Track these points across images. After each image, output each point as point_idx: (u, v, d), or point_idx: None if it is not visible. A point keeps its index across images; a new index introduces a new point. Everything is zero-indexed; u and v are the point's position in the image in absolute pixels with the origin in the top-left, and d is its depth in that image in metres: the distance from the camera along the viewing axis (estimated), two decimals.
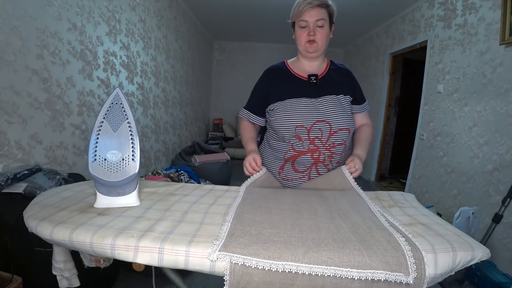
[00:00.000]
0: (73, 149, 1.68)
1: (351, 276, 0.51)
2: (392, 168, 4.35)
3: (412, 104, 3.52)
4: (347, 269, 0.51)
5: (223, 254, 0.53)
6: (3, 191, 1.13)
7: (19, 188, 1.15)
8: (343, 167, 0.96)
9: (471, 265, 0.61)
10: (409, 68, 4.00)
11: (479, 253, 0.59)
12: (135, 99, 2.44)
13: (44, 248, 1.07)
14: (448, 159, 2.45)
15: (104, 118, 0.72)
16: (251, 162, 0.96)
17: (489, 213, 1.70)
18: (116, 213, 0.70)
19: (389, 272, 0.51)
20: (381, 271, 0.51)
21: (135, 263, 0.59)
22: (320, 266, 0.51)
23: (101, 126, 0.72)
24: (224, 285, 0.54)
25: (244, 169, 0.97)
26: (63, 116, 1.59)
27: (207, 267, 0.56)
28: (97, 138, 0.71)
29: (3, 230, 1.08)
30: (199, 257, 0.55)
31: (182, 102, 3.74)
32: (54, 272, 0.77)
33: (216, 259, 0.53)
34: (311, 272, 0.51)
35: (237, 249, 0.54)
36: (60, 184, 1.24)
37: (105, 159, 0.71)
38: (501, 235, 1.80)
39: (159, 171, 2.36)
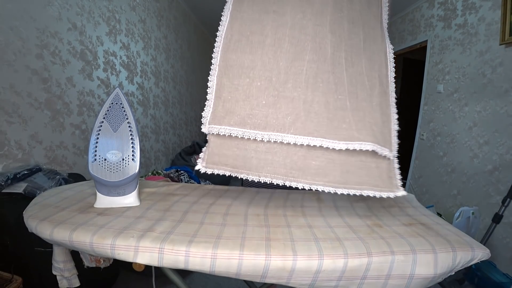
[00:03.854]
0: (73, 149, 1.68)
1: (338, 147, 0.48)
2: None
3: (412, 104, 3.52)
4: (333, 141, 0.48)
5: (212, 127, 0.52)
6: (3, 191, 1.13)
7: (19, 188, 1.15)
8: None
9: (471, 265, 0.61)
10: (409, 68, 3.99)
11: (479, 253, 0.59)
12: (135, 99, 2.44)
13: (44, 248, 1.07)
14: (448, 159, 2.45)
15: (104, 118, 0.72)
16: None
17: (489, 213, 1.70)
18: (116, 213, 0.70)
19: (376, 145, 0.50)
20: (368, 143, 0.49)
21: (135, 263, 0.59)
22: (305, 137, 0.48)
23: (101, 126, 0.72)
24: (224, 285, 0.54)
25: None
26: (63, 116, 1.59)
27: (207, 267, 0.56)
28: (97, 138, 0.71)
29: (3, 230, 1.08)
30: (199, 257, 0.55)
31: (182, 102, 3.74)
32: (54, 272, 0.77)
33: (208, 132, 0.53)
34: (296, 142, 0.48)
35: (224, 119, 0.50)
36: (60, 184, 1.24)
37: (105, 159, 0.71)
38: (501, 235, 1.80)
39: (159, 171, 2.36)
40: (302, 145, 0.47)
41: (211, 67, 0.56)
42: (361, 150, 0.48)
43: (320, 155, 0.48)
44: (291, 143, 0.47)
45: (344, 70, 0.53)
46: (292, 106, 0.49)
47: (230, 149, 0.50)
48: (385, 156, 0.50)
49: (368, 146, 0.48)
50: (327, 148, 0.47)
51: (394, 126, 0.53)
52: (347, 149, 0.47)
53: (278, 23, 0.55)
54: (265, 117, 0.48)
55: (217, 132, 0.50)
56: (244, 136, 0.48)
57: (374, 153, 0.50)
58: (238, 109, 0.49)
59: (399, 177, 0.54)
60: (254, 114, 0.48)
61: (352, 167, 0.49)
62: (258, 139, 0.48)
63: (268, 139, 0.48)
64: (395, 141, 0.52)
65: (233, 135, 0.49)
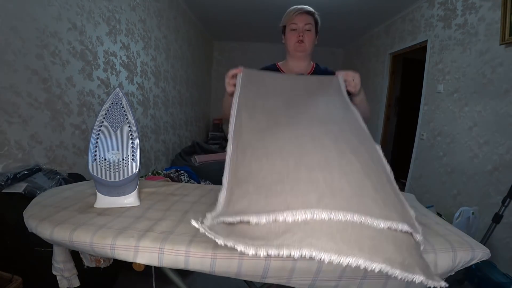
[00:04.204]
0: (73, 149, 1.68)
1: (377, 225, 0.43)
2: (392, 168, 4.28)
3: (412, 104, 3.52)
4: (368, 218, 0.43)
5: (222, 218, 0.47)
6: (3, 191, 1.13)
7: (19, 188, 1.15)
8: (340, 76, 0.90)
9: (471, 265, 0.60)
10: (409, 68, 3.99)
11: (479, 253, 0.59)
12: (135, 99, 2.44)
13: (44, 248, 1.07)
14: (448, 159, 2.45)
15: (104, 118, 0.73)
16: (229, 73, 0.92)
17: (489, 213, 1.70)
18: (116, 213, 0.70)
19: (406, 224, 0.46)
20: (400, 223, 0.46)
21: (135, 263, 0.59)
22: (340, 212, 0.42)
23: (101, 126, 0.72)
24: (224, 285, 0.54)
25: (227, 87, 0.92)
26: (63, 116, 1.58)
27: (207, 267, 0.56)
28: (97, 138, 0.71)
29: (3, 230, 1.08)
30: (199, 257, 0.55)
31: (182, 102, 3.74)
32: (54, 272, 0.78)
33: (209, 231, 0.46)
34: (331, 217, 0.41)
35: (233, 214, 0.47)
36: (60, 184, 1.24)
37: (105, 159, 0.71)
38: (501, 235, 1.80)
39: (159, 171, 2.36)
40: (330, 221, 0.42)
41: (223, 180, 0.60)
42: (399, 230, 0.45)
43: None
44: (325, 218, 0.42)
45: (351, 155, 0.55)
46: (313, 187, 0.46)
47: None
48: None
49: (403, 226, 0.45)
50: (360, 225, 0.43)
51: (411, 212, 0.52)
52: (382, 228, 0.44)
53: (277, 136, 0.62)
54: (284, 201, 0.44)
55: (232, 221, 0.47)
56: (259, 223, 0.44)
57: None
58: (254, 203, 0.48)
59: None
60: (271, 202, 0.45)
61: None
62: (281, 220, 0.44)
63: (294, 219, 0.42)
64: (418, 225, 0.50)
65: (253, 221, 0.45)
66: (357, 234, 0.42)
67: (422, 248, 0.49)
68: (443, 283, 0.42)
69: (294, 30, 1.11)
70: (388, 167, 0.62)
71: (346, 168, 0.51)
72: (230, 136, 0.69)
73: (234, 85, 0.88)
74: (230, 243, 0.43)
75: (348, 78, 0.91)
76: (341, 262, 0.40)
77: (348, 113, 0.77)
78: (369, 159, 0.58)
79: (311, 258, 0.41)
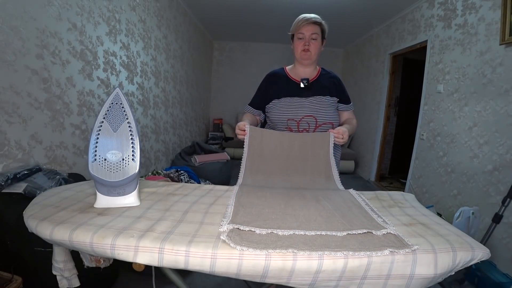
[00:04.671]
0: (73, 149, 1.68)
1: (338, 234, 0.63)
2: (392, 168, 4.35)
3: (412, 104, 3.52)
4: (333, 232, 0.63)
5: (232, 225, 0.63)
6: (3, 191, 1.13)
7: (19, 188, 1.15)
8: (331, 134, 1.09)
9: (471, 265, 0.61)
10: (409, 68, 4.00)
11: (479, 253, 0.60)
12: (135, 99, 2.44)
13: (44, 248, 1.07)
14: (448, 159, 2.45)
15: (104, 118, 0.73)
16: (239, 125, 1.10)
17: (489, 213, 1.70)
18: (116, 213, 0.70)
19: (371, 230, 0.64)
20: (361, 229, 0.64)
21: (135, 263, 0.59)
22: (311, 231, 0.63)
23: (101, 126, 0.72)
24: (224, 285, 0.54)
25: (238, 136, 1.11)
26: (63, 116, 1.59)
27: (207, 267, 0.56)
28: (97, 138, 0.71)
29: (3, 230, 1.09)
30: (199, 257, 0.55)
31: (182, 102, 3.74)
32: (54, 272, 0.78)
33: (226, 229, 0.61)
34: (306, 233, 0.62)
35: (242, 224, 0.64)
36: (60, 184, 1.24)
37: (105, 159, 0.71)
38: (501, 235, 1.80)
39: (159, 171, 2.36)
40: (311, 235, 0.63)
41: (228, 202, 0.81)
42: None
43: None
44: (301, 234, 0.62)
45: (325, 202, 0.82)
46: (295, 219, 0.69)
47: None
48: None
49: (364, 230, 0.64)
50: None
51: (379, 220, 0.71)
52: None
53: (272, 191, 0.91)
54: (277, 225, 0.65)
55: (237, 228, 0.63)
56: (261, 233, 0.62)
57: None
58: (254, 221, 0.66)
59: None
60: (267, 223, 0.65)
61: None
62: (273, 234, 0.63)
63: (282, 234, 0.62)
64: (390, 227, 0.66)
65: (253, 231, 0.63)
66: (324, 240, 0.60)
67: (384, 232, 0.64)
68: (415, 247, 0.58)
69: (301, 39, 1.19)
70: (359, 199, 0.85)
71: (319, 207, 0.76)
72: (238, 185, 0.97)
73: (243, 134, 1.08)
74: (243, 248, 0.56)
75: (338, 136, 1.08)
76: (311, 255, 0.56)
77: (329, 176, 1.06)
78: (339, 199, 0.83)
79: (294, 255, 0.56)
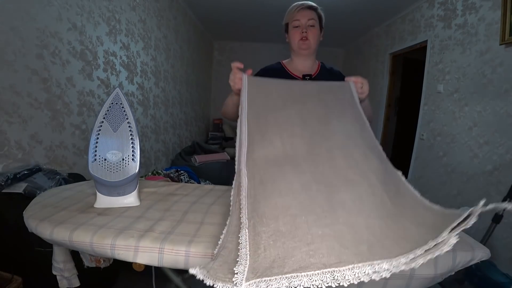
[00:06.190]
0: (73, 149, 1.68)
1: (399, 268, 0.40)
2: None
3: (412, 104, 3.51)
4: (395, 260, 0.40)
5: (256, 281, 0.35)
6: (3, 191, 1.13)
7: (19, 188, 1.15)
8: (351, 82, 0.89)
9: (471, 265, 0.60)
10: (409, 68, 3.99)
11: (479, 253, 0.59)
12: (135, 99, 2.44)
13: (44, 248, 1.07)
14: (448, 159, 2.45)
15: (104, 118, 0.73)
16: (236, 64, 0.90)
17: (489, 213, 1.70)
18: (116, 213, 0.70)
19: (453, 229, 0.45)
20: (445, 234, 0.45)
21: (135, 263, 0.59)
22: (391, 264, 0.39)
23: (101, 126, 0.72)
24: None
25: (234, 84, 0.89)
26: (63, 116, 1.58)
27: None
28: (97, 138, 0.71)
29: (3, 230, 1.08)
30: (199, 257, 0.55)
31: (182, 102, 3.74)
32: (54, 272, 0.78)
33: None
34: (390, 267, 0.38)
35: (273, 269, 0.37)
36: (60, 184, 1.24)
37: (105, 159, 0.71)
38: (501, 235, 1.80)
39: (159, 171, 2.36)
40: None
41: (239, 216, 0.49)
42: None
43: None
44: (386, 268, 0.39)
45: (382, 191, 0.54)
46: (357, 233, 0.43)
47: None
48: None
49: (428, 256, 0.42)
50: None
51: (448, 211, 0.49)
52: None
53: (299, 169, 0.57)
54: (332, 249, 0.39)
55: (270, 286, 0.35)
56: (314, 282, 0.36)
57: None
58: (290, 251, 0.39)
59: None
60: (315, 249, 0.39)
61: None
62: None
63: (352, 275, 0.38)
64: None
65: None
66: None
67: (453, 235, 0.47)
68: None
69: (297, 27, 1.06)
70: (411, 189, 0.61)
71: (382, 211, 0.48)
72: (243, 165, 0.62)
73: (241, 80, 0.86)
74: None
75: (357, 85, 0.91)
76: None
77: (364, 131, 0.74)
78: (403, 189, 0.58)
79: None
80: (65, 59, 1.57)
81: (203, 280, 0.37)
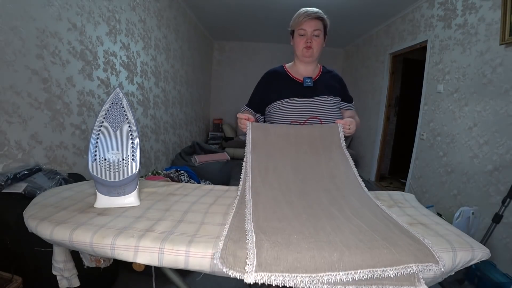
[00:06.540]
0: (73, 149, 1.68)
1: (387, 275, 0.53)
2: (392, 168, 4.34)
3: (412, 104, 3.52)
4: (381, 269, 0.53)
5: (261, 274, 0.49)
6: (3, 191, 1.13)
7: (19, 188, 1.15)
8: (339, 124, 1.05)
9: (471, 265, 0.61)
10: (409, 68, 3.99)
11: (479, 253, 0.60)
12: (135, 99, 2.44)
13: (44, 248, 1.07)
14: (448, 159, 2.45)
15: (104, 118, 0.73)
16: (242, 115, 1.05)
17: (489, 213, 1.70)
18: (116, 213, 0.70)
19: (420, 264, 0.54)
20: (412, 264, 0.53)
21: (135, 263, 0.59)
22: (357, 271, 0.52)
23: (101, 126, 0.72)
24: (224, 284, 0.53)
25: (240, 127, 1.06)
26: (63, 116, 1.58)
27: (207, 267, 0.56)
28: (97, 138, 0.71)
29: (3, 230, 1.08)
30: (199, 257, 0.55)
31: (182, 102, 3.74)
32: (54, 272, 0.78)
33: (254, 281, 0.49)
34: (349, 279, 0.52)
35: (272, 266, 0.51)
36: (60, 184, 1.24)
37: (105, 159, 0.71)
38: (501, 235, 1.80)
39: (159, 171, 2.36)
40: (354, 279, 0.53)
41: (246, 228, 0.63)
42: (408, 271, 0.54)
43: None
44: (344, 280, 0.52)
45: (357, 220, 0.68)
46: (333, 247, 0.55)
47: None
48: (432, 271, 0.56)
49: (413, 268, 0.53)
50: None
51: (426, 240, 0.59)
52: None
53: (293, 205, 0.75)
54: (312, 258, 0.53)
55: (268, 282, 0.50)
56: (297, 282, 0.51)
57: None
58: (284, 256, 0.53)
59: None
60: (301, 258, 0.53)
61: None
62: (313, 283, 0.52)
63: (321, 281, 0.51)
64: (436, 251, 0.56)
65: (286, 282, 0.51)
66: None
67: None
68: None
69: (302, 35, 1.12)
70: (393, 215, 0.72)
71: (354, 230, 0.63)
72: (248, 193, 0.80)
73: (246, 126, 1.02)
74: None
75: (345, 126, 1.04)
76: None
77: (348, 171, 0.95)
78: (370, 214, 0.71)
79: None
80: (65, 59, 1.57)
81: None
